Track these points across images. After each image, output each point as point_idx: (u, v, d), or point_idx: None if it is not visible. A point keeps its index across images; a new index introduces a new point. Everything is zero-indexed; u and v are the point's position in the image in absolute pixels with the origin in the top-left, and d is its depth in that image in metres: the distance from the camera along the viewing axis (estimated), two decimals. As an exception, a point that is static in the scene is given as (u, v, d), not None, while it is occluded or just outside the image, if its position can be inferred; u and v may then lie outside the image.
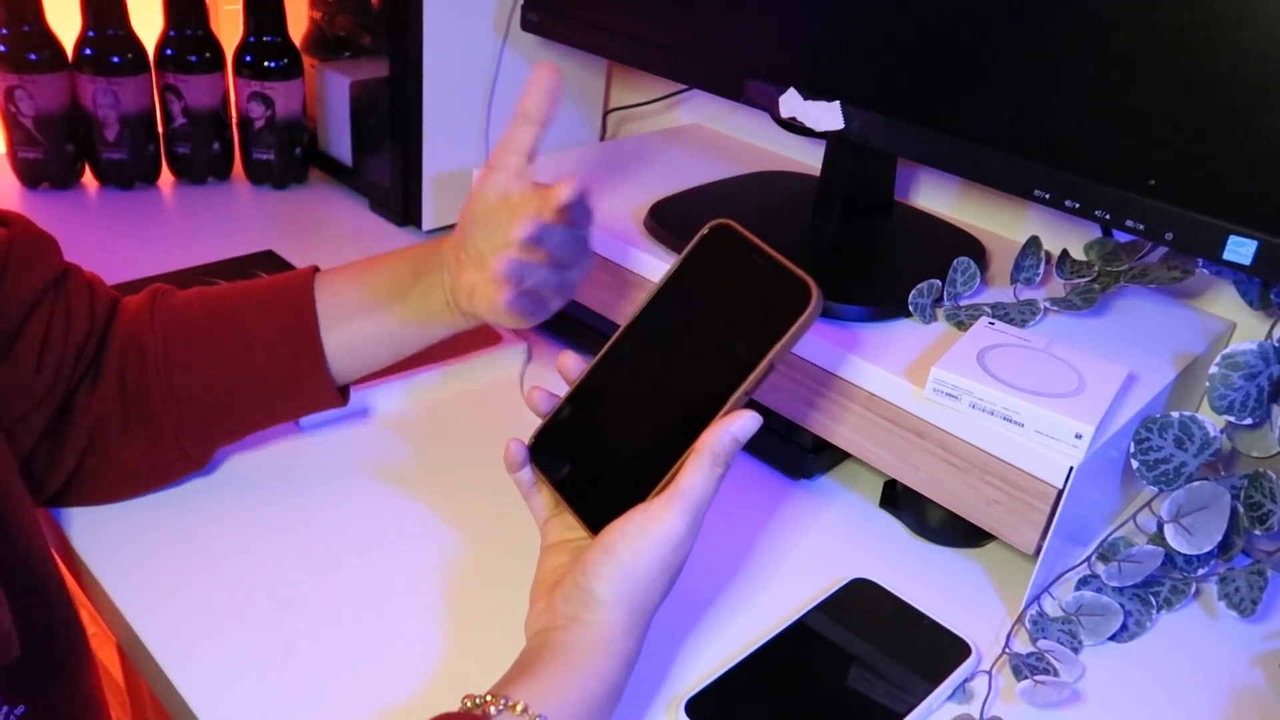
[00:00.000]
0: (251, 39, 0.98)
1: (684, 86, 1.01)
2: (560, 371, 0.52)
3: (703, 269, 0.49)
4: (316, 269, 0.61)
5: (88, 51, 0.93)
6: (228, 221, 0.97)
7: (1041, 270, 0.69)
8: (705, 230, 0.49)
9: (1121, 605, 0.58)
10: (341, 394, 0.61)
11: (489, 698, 0.41)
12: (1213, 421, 0.58)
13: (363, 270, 0.60)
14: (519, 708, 0.41)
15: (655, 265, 0.70)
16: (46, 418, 0.54)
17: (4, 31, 0.90)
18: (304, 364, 0.58)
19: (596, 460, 0.50)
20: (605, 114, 1.08)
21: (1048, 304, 0.67)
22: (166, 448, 0.58)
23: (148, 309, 0.58)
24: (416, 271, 0.59)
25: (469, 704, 0.42)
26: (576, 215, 0.55)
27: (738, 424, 0.45)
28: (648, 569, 0.44)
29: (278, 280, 0.60)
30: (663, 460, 0.46)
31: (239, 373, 0.57)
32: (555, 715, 0.41)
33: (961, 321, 0.65)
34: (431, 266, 0.59)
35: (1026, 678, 0.53)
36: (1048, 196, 0.59)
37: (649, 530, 0.44)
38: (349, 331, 0.59)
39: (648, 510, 0.44)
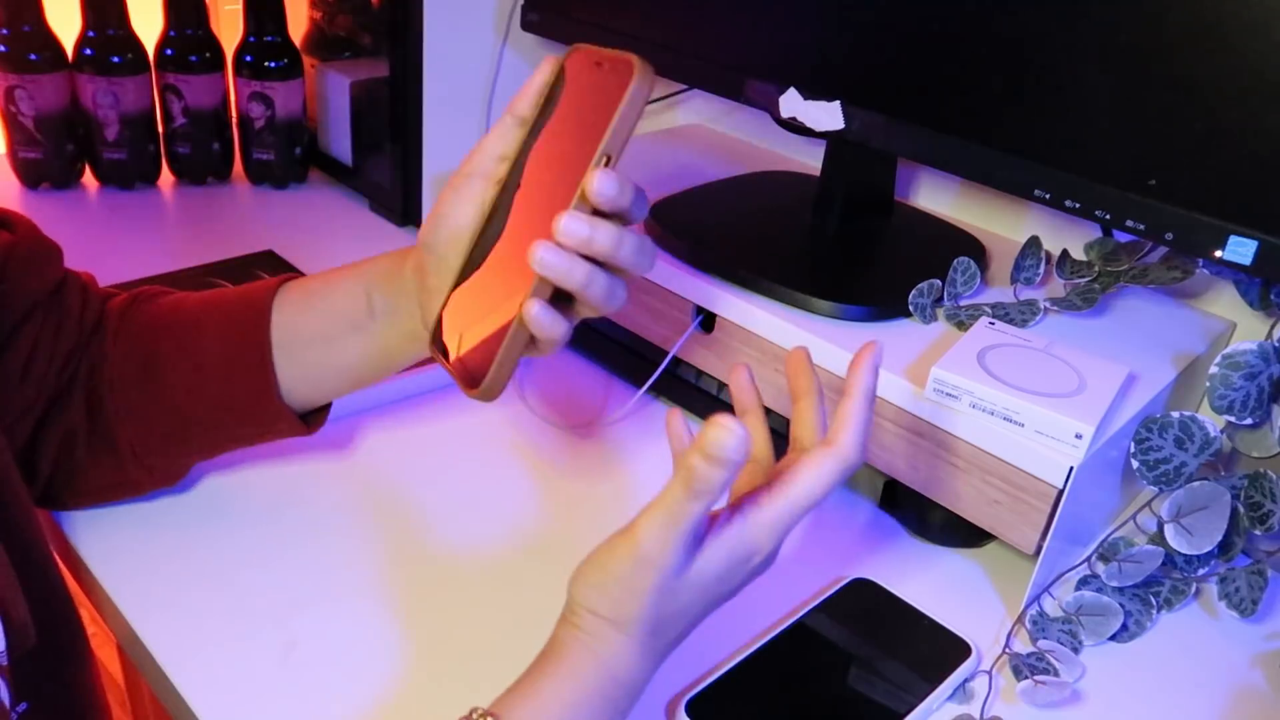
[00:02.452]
0: (251, 39, 0.98)
1: (684, 86, 1.01)
2: (671, 433, 0.49)
3: (553, 94, 0.48)
4: (285, 279, 0.57)
5: (88, 51, 0.93)
6: (228, 221, 0.97)
7: (1041, 270, 0.69)
8: (563, 56, 0.48)
9: (1121, 605, 0.58)
10: (306, 421, 0.57)
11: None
12: (1213, 421, 0.58)
13: (319, 294, 0.55)
14: None
15: (656, 266, 0.70)
16: (30, 427, 0.53)
17: (4, 31, 0.90)
18: (255, 390, 0.55)
19: (471, 307, 0.47)
20: (605, 114, 1.07)
21: (1048, 304, 0.67)
22: (129, 466, 0.56)
23: (115, 320, 0.56)
24: (372, 299, 0.54)
25: None
26: (636, 207, 0.45)
27: (708, 438, 0.37)
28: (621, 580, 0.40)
29: (240, 296, 0.56)
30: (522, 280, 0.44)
31: (189, 395, 0.55)
32: None
33: (961, 321, 0.65)
34: (390, 293, 0.53)
35: (1027, 678, 0.53)
36: (1048, 196, 0.59)
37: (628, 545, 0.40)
38: (305, 361, 0.55)
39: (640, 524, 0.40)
